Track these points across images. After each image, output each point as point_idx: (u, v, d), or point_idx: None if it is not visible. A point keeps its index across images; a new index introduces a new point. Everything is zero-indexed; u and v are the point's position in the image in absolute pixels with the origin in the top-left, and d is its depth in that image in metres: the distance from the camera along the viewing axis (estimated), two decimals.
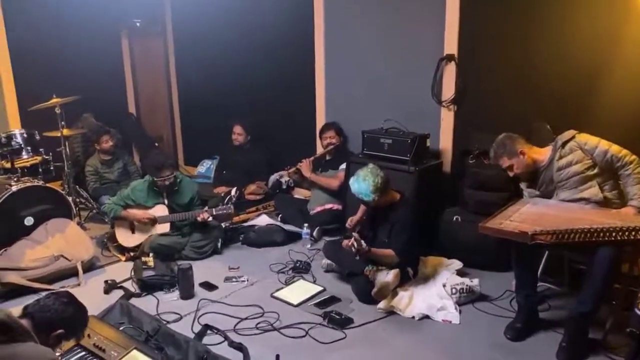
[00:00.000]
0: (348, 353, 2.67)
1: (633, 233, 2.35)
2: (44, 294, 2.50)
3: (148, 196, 3.91)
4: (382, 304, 3.03)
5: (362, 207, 3.42)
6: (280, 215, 4.49)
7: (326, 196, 4.33)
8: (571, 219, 2.49)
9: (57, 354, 2.09)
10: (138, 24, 6.19)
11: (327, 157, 4.49)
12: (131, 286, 3.42)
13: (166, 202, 3.91)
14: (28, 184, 3.89)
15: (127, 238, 3.92)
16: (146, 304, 3.14)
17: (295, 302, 3.15)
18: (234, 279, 3.50)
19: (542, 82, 3.75)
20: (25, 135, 4.35)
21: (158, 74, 6.44)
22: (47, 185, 4.09)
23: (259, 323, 2.92)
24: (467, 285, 3.11)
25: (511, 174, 2.85)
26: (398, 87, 4.12)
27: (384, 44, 4.15)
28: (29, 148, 4.34)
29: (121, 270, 3.67)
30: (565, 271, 3.18)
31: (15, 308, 2.02)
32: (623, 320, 2.43)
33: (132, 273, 3.56)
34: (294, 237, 4.17)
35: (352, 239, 2.99)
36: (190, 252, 3.84)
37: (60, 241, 3.63)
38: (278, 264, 3.72)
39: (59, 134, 4.51)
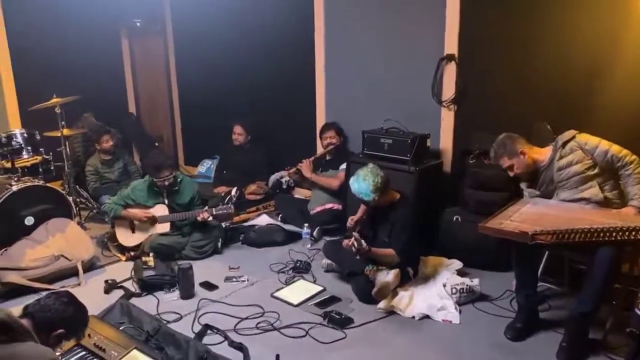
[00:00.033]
0: (348, 353, 2.67)
1: (633, 233, 2.35)
2: (44, 293, 2.51)
3: (148, 196, 3.91)
4: (382, 304, 3.04)
5: (363, 207, 3.42)
6: (280, 215, 4.49)
7: (326, 196, 4.33)
8: (571, 219, 2.49)
9: (58, 353, 2.09)
10: (138, 24, 6.19)
11: (328, 157, 4.49)
12: (131, 286, 3.42)
13: (166, 201, 3.91)
14: (28, 184, 3.90)
15: (127, 238, 3.93)
16: (146, 303, 3.14)
17: (295, 302, 3.15)
18: (234, 279, 3.50)
19: (542, 83, 3.75)
20: (25, 135, 4.35)
21: (158, 74, 6.44)
22: (48, 185, 4.09)
23: (259, 323, 2.92)
24: (467, 285, 3.11)
25: (511, 174, 2.85)
26: (398, 88, 4.12)
27: (384, 46, 4.15)
28: (29, 148, 4.34)
29: (121, 270, 3.67)
30: (566, 271, 3.18)
31: (15, 308, 2.02)
32: (623, 320, 2.43)
33: (133, 273, 3.56)
34: (294, 237, 4.17)
35: (353, 238, 2.99)
36: (190, 251, 3.84)
37: (60, 241, 3.63)
38: (278, 264, 3.72)
39: (59, 134, 4.51)
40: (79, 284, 3.46)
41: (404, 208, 3.21)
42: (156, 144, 6.25)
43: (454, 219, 3.62)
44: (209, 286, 3.40)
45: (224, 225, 4.17)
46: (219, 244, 3.99)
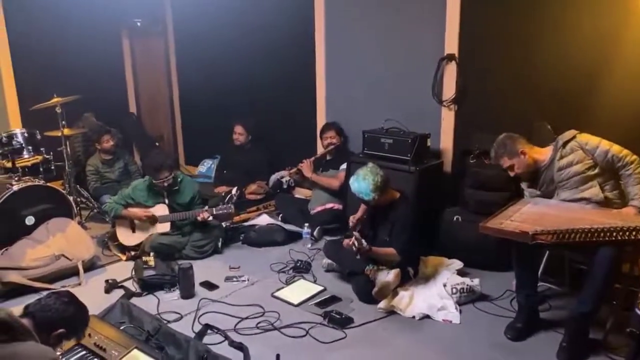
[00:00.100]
0: (348, 353, 2.67)
1: (634, 233, 2.35)
2: (44, 293, 2.52)
3: (149, 195, 3.91)
4: (382, 304, 3.04)
5: (363, 207, 3.42)
6: (280, 215, 4.49)
7: (327, 196, 4.33)
8: (572, 218, 2.49)
9: (58, 353, 2.09)
10: (139, 24, 6.20)
11: (328, 157, 4.49)
12: (132, 285, 3.42)
13: (167, 201, 3.92)
14: (29, 184, 3.90)
15: (127, 237, 3.93)
16: (147, 303, 3.14)
17: (295, 302, 3.15)
18: (234, 279, 3.50)
19: (542, 82, 3.75)
20: (26, 134, 4.35)
21: (159, 74, 6.44)
22: (48, 184, 4.10)
23: (259, 323, 2.92)
24: (467, 285, 3.11)
25: (512, 174, 2.85)
26: (398, 88, 4.12)
27: (384, 45, 4.15)
28: (29, 147, 4.35)
29: (122, 270, 3.67)
30: (566, 271, 3.18)
31: (16, 307, 2.02)
32: (623, 320, 2.43)
33: (133, 272, 3.56)
34: (295, 237, 4.18)
35: (353, 238, 2.99)
36: (190, 251, 3.84)
37: (61, 240, 3.64)
38: (278, 264, 3.72)
39: (59, 134, 4.51)
40: (80, 284, 3.46)
41: (404, 207, 3.21)
42: (157, 143, 6.26)
43: (455, 218, 3.62)
44: (209, 286, 3.40)
45: (224, 225, 4.17)
46: (220, 244, 4.00)
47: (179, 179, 4.00)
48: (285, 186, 4.60)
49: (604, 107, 3.62)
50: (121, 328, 2.68)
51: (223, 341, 2.73)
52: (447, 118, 3.87)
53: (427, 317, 2.97)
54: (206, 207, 3.90)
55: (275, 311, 3.02)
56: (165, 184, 3.83)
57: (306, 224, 4.16)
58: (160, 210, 3.89)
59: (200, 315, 3.01)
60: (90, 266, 3.69)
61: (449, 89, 3.79)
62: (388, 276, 3.03)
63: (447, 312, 2.97)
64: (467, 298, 3.10)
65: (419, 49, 3.92)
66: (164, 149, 6.31)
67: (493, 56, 3.76)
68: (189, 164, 6.39)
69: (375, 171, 3.12)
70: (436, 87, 3.85)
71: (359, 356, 2.65)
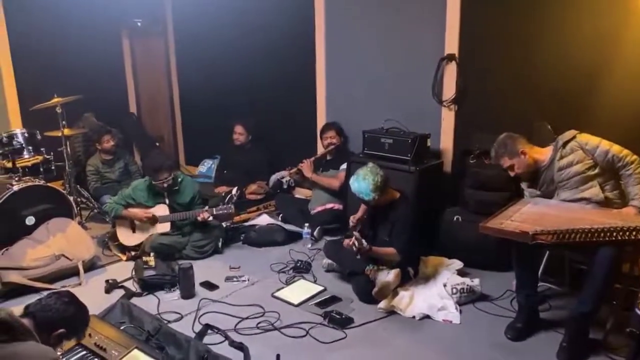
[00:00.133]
0: (348, 353, 2.67)
1: (634, 233, 2.35)
2: (45, 293, 2.52)
3: (149, 196, 3.91)
4: (382, 304, 3.04)
5: (363, 207, 3.42)
6: (281, 215, 4.49)
7: (327, 196, 4.33)
8: (572, 219, 2.49)
9: (58, 353, 2.09)
10: (139, 24, 6.20)
11: (328, 157, 4.49)
12: (132, 286, 3.43)
13: (167, 201, 3.92)
14: (29, 184, 3.90)
15: (128, 237, 3.93)
16: (147, 303, 3.15)
17: (295, 302, 3.15)
18: (234, 279, 3.50)
19: (542, 82, 3.75)
20: (26, 134, 4.35)
21: (159, 74, 6.44)
22: (48, 184, 4.10)
23: (259, 323, 2.92)
24: (467, 285, 3.11)
25: (512, 174, 2.85)
26: (398, 87, 4.12)
27: (385, 45, 4.15)
28: (30, 148, 4.34)
29: (122, 270, 3.67)
30: (566, 271, 3.18)
31: (16, 307, 2.02)
32: (623, 320, 2.43)
33: (133, 272, 3.56)
34: (295, 237, 4.18)
35: (353, 237, 3.00)
36: (191, 251, 3.84)
37: (61, 240, 3.64)
38: (279, 264, 3.72)
39: (60, 134, 4.51)
40: (80, 284, 3.46)
41: (404, 207, 3.21)
42: (157, 143, 6.26)
43: (455, 219, 3.62)
44: (209, 286, 3.40)
45: (224, 225, 4.17)
46: (220, 244, 4.00)
47: (180, 179, 4.01)
48: (285, 186, 4.60)
49: (604, 107, 3.62)
50: (121, 328, 2.68)
51: (223, 341, 2.74)
52: (447, 118, 3.87)
53: (427, 317, 2.97)
54: (206, 207, 3.90)
55: (275, 311, 3.02)
56: (165, 185, 3.83)
57: (306, 224, 4.16)
58: (161, 210, 3.89)
59: (201, 315, 3.01)
60: (91, 266, 3.69)
61: (449, 89, 3.79)
62: (388, 276, 3.03)
63: (447, 312, 2.97)
64: (467, 298, 3.10)
65: (419, 49, 3.92)
66: (164, 149, 6.32)
67: (493, 56, 3.76)
68: (189, 164, 6.39)
69: (375, 171, 3.12)
70: (436, 87, 3.85)
71: (359, 356, 2.65)
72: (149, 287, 3.33)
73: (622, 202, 2.68)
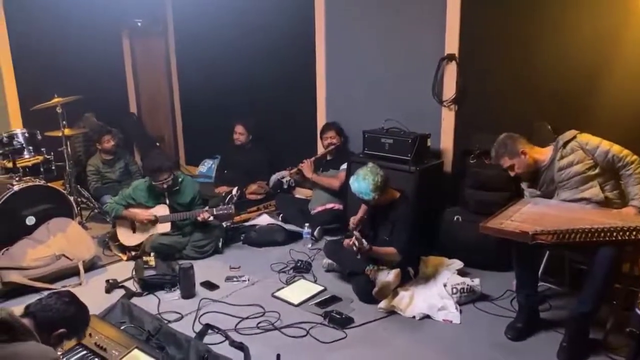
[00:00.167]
0: (349, 353, 2.67)
1: (634, 233, 2.35)
2: (45, 293, 2.52)
3: (149, 196, 3.92)
4: (382, 304, 3.04)
5: (363, 207, 3.42)
6: (281, 215, 4.49)
7: (327, 196, 4.33)
8: (572, 219, 2.50)
9: (59, 353, 2.09)
10: (139, 24, 6.20)
11: (328, 157, 4.50)
12: (132, 285, 3.43)
13: (167, 201, 3.92)
14: (30, 184, 3.91)
15: (128, 237, 3.93)
16: (147, 303, 3.15)
17: (296, 302, 3.15)
18: (234, 279, 3.50)
19: (542, 82, 3.75)
20: (26, 134, 4.36)
21: (159, 74, 6.44)
22: (49, 184, 4.10)
23: (259, 322, 2.92)
24: (467, 285, 3.11)
25: (512, 174, 2.85)
26: (399, 88, 4.12)
27: (385, 45, 4.16)
28: (30, 148, 4.35)
29: (122, 270, 3.68)
30: (566, 271, 3.19)
31: (17, 307, 2.02)
32: (623, 320, 2.43)
33: (134, 272, 3.57)
34: (295, 237, 4.18)
35: (354, 237, 3.00)
36: (191, 251, 3.84)
37: (61, 240, 3.64)
38: (279, 264, 3.72)
39: (60, 134, 4.52)
40: (80, 284, 3.46)
41: (404, 206, 3.21)
42: (157, 144, 6.26)
43: (455, 219, 3.62)
44: (209, 286, 3.40)
45: (224, 225, 4.17)
46: (220, 244, 4.00)
47: (180, 180, 4.01)
48: (285, 186, 4.60)
49: (604, 108, 3.62)
50: (122, 328, 2.68)
51: (224, 341, 2.74)
52: (448, 118, 3.87)
53: (428, 317, 2.97)
54: (207, 207, 3.90)
55: (275, 311, 3.02)
56: (164, 186, 3.83)
57: (306, 224, 4.16)
58: (161, 210, 3.89)
59: (201, 315, 3.01)
60: (91, 266, 3.69)
61: (449, 89, 3.79)
62: (388, 276, 3.03)
63: (448, 312, 2.97)
64: (468, 298, 3.11)
65: (419, 49, 3.93)
66: (164, 149, 6.32)
67: (493, 56, 3.76)
68: (189, 164, 6.40)
69: (375, 171, 3.12)
70: (436, 87, 3.86)
71: (359, 356, 2.66)
72: (149, 287, 3.33)
73: (622, 202, 2.68)
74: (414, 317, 2.97)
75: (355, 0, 4.30)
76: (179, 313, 3.04)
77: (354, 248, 2.99)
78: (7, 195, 3.73)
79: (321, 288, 3.32)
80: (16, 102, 5.28)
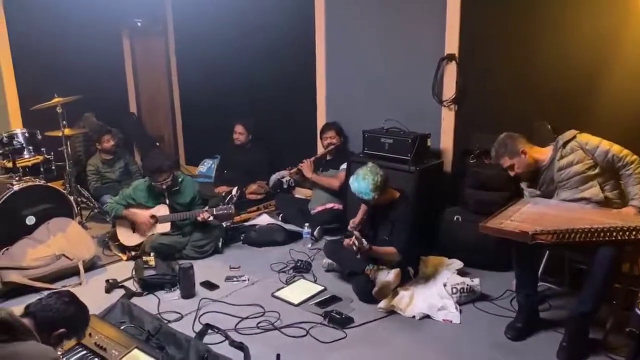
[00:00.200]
0: (349, 353, 2.67)
1: (634, 233, 2.35)
2: (45, 293, 2.52)
3: (149, 196, 3.92)
4: (383, 304, 3.04)
5: (363, 207, 3.43)
6: (281, 215, 4.49)
7: (327, 196, 4.33)
8: (572, 219, 2.49)
9: (59, 353, 2.09)
10: (139, 24, 6.20)
11: (328, 157, 4.50)
12: (132, 286, 3.43)
13: (168, 202, 3.92)
14: (30, 184, 3.91)
15: (128, 237, 3.93)
16: (147, 303, 3.15)
17: (296, 302, 3.15)
18: (235, 279, 3.50)
19: (542, 82, 3.75)
20: (27, 135, 4.35)
21: (159, 74, 6.44)
22: (49, 184, 4.10)
23: (260, 323, 2.92)
24: (467, 285, 3.11)
25: (512, 174, 2.85)
26: (399, 88, 4.12)
27: (385, 45, 4.16)
28: (30, 148, 4.35)
29: (122, 270, 3.68)
30: (566, 271, 3.19)
31: (17, 307, 2.02)
32: (623, 320, 2.43)
33: (134, 272, 3.57)
34: (295, 237, 4.18)
35: (354, 237, 3.00)
36: (191, 251, 3.84)
37: (61, 241, 3.64)
38: (279, 264, 3.72)
39: (60, 134, 4.52)
40: (80, 284, 3.46)
41: (404, 206, 3.22)
42: (157, 144, 6.26)
43: (455, 219, 3.62)
44: (210, 286, 3.40)
45: (225, 225, 4.17)
46: (220, 244, 4.00)
47: (180, 180, 4.01)
48: (285, 186, 4.60)
49: (604, 107, 3.62)
50: (122, 328, 2.69)
51: (224, 341, 2.74)
52: (448, 118, 3.87)
53: (428, 317, 2.97)
54: (207, 208, 3.90)
55: (275, 311, 3.02)
56: (164, 187, 3.83)
57: (307, 224, 4.16)
58: (161, 210, 3.89)
59: (201, 315, 3.01)
60: (91, 266, 3.69)
61: (450, 89, 3.79)
62: (388, 276, 3.03)
63: (448, 312, 2.97)
64: (468, 298, 3.11)
65: (420, 49, 3.93)
66: (164, 149, 6.32)
67: (493, 56, 3.76)
68: (189, 164, 6.40)
69: (375, 171, 3.12)
70: (436, 87, 3.86)
71: (359, 356, 2.66)
72: (149, 287, 3.33)
73: (622, 202, 2.68)
74: (414, 317, 2.97)
75: (355, 0, 4.29)
76: (179, 313, 3.04)
77: (354, 248, 2.99)
78: (8, 195, 3.73)
79: (321, 288, 3.32)
80: (16, 102, 5.28)
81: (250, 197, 4.85)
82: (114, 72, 6.27)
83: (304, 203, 4.59)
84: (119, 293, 3.31)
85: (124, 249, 3.94)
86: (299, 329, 2.86)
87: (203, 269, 3.58)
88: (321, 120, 4.70)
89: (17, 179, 3.99)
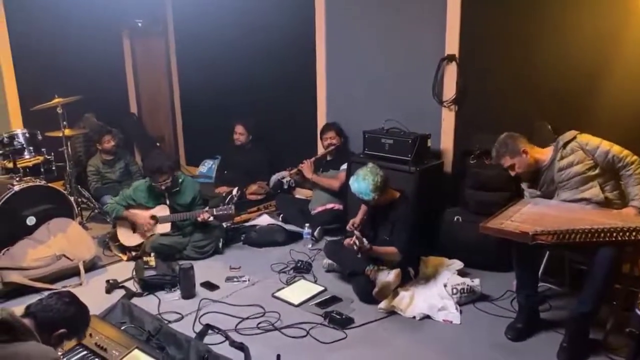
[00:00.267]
0: (349, 353, 2.67)
1: (634, 233, 2.35)
2: (46, 293, 2.52)
3: (150, 196, 3.92)
4: (383, 304, 3.04)
5: (363, 208, 3.43)
6: (281, 215, 4.49)
7: (327, 196, 4.33)
8: (572, 219, 2.50)
9: (59, 353, 2.09)
10: (139, 24, 6.20)
11: (328, 158, 4.50)
12: (133, 286, 3.43)
13: (168, 202, 3.92)
14: (30, 184, 3.91)
15: (128, 237, 3.93)
16: (147, 303, 3.15)
17: (296, 302, 3.15)
18: (235, 279, 3.50)
19: (542, 82, 3.75)
20: (27, 135, 4.35)
21: (159, 74, 6.45)
22: (49, 185, 4.10)
23: (260, 323, 2.93)
24: (468, 286, 3.11)
25: (512, 174, 2.85)
26: (399, 88, 4.12)
27: (385, 45, 4.16)
28: (31, 148, 4.35)
29: (123, 270, 3.68)
30: (566, 271, 3.18)
31: (17, 307, 2.02)
32: (623, 321, 2.43)
33: (134, 273, 3.57)
34: (295, 237, 4.18)
35: (354, 237, 3.00)
36: (191, 251, 3.84)
37: (62, 241, 3.64)
38: (279, 264, 3.72)
39: (60, 134, 4.52)
40: (81, 284, 3.46)
41: (404, 206, 3.22)
42: (157, 144, 6.26)
43: (455, 219, 3.62)
44: (210, 286, 3.40)
45: (225, 225, 4.17)
46: (220, 244, 4.00)
47: (180, 180, 4.01)
48: (285, 186, 4.60)
49: (604, 108, 3.62)
50: (122, 328, 2.69)
51: (224, 341, 2.74)
52: (448, 118, 3.87)
53: (428, 317, 2.97)
54: (207, 208, 3.90)
55: (275, 311, 3.03)
56: (163, 187, 3.83)
57: (307, 224, 4.16)
58: (161, 211, 3.89)
59: (201, 316, 3.01)
60: (91, 266, 3.69)
61: (450, 89, 3.79)
62: (388, 276, 3.04)
63: (448, 313, 2.97)
64: (468, 298, 3.11)
65: (420, 49, 3.93)
66: (164, 149, 6.32)
67: (493, 56, 3.76)
68: (189, 164, 6.40)
69: (375, 171, 3.12)
70: (436, 88, 3.86)
71: (359, 356, 2.66)
72: (149, 287, 3.33)
73: (622, 203, 2.68)
74: (414, 317, 2.97)
75: (355, 0, 4.29)
76: (179, 313, 3.04)
77: (355, 247, 3.00)
78: (8, 195, 3.73)
79: (321, 288, 3.32)
80: (16, 102, 5.28)
81: (250, 197, 4.85)
82: (114, 72, 6.27)
83: (304, 203, 4.59)
84: (119, 293, 3.31)
85: (124, 249, 3.94)
86: (299, 329, 2.87)
87: (203, 269, 3.58)
88: (321, 120, 4.70)
89: (17, 179, 3.99)
